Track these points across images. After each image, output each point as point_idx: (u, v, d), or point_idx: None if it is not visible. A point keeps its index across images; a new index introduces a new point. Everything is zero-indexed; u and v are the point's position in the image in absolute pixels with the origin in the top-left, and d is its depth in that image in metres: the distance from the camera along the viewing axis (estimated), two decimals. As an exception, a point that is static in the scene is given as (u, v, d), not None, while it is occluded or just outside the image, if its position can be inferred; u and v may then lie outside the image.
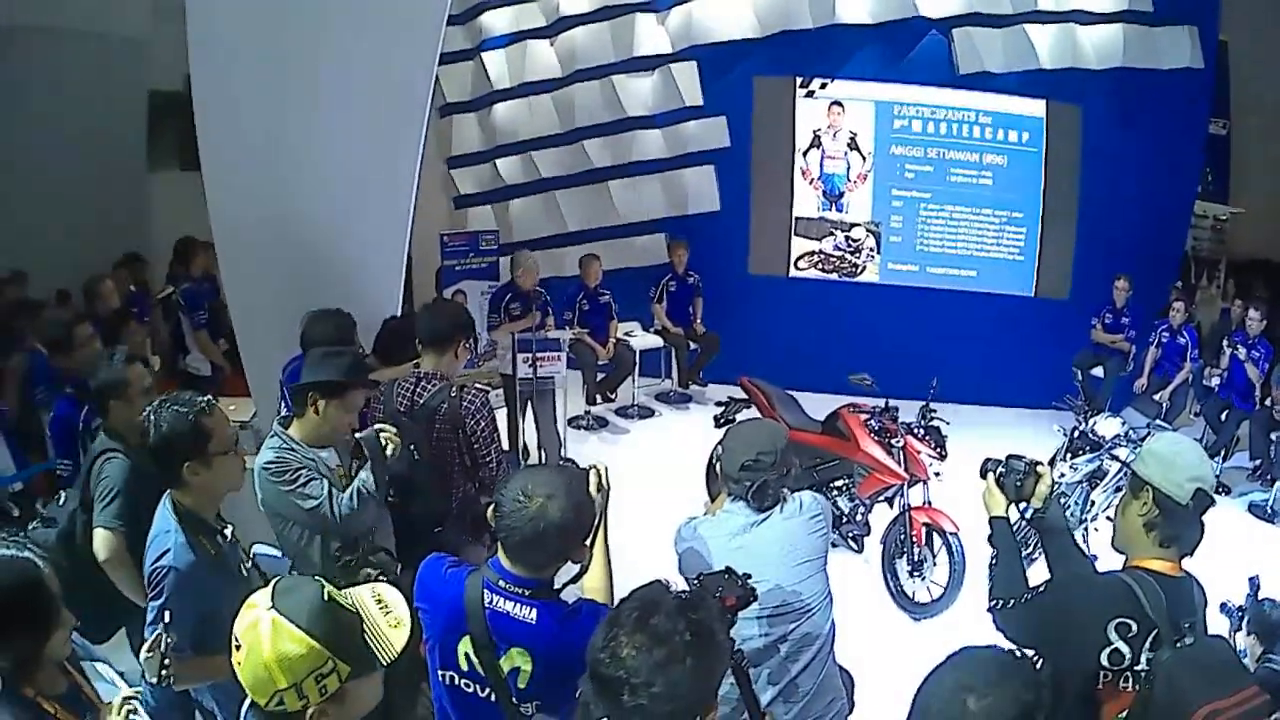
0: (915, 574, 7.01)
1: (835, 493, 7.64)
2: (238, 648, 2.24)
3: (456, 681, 3.08)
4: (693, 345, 11.94)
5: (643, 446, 10.76)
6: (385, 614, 2.43)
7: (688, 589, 2.92)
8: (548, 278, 11.52)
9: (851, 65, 11.54)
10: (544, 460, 9.32)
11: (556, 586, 3.07)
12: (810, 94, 11.80)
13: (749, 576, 3.24)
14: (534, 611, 2.93)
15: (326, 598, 2.31)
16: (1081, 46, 10.79)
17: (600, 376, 11.48)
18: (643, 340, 11.76)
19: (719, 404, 8.71)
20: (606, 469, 3.43)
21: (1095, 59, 10.80)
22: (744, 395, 8.51)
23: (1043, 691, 2.28)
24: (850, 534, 7.63)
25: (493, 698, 3.02)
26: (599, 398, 11.60)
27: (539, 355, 9.14)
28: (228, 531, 3.75)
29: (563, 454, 9.60)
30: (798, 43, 11.49)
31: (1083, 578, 3.35)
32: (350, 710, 2.34)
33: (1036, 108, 11.16)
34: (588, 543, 3.15)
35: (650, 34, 12.08)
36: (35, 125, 10.66)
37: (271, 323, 5.68)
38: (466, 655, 3.02)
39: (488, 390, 5.33)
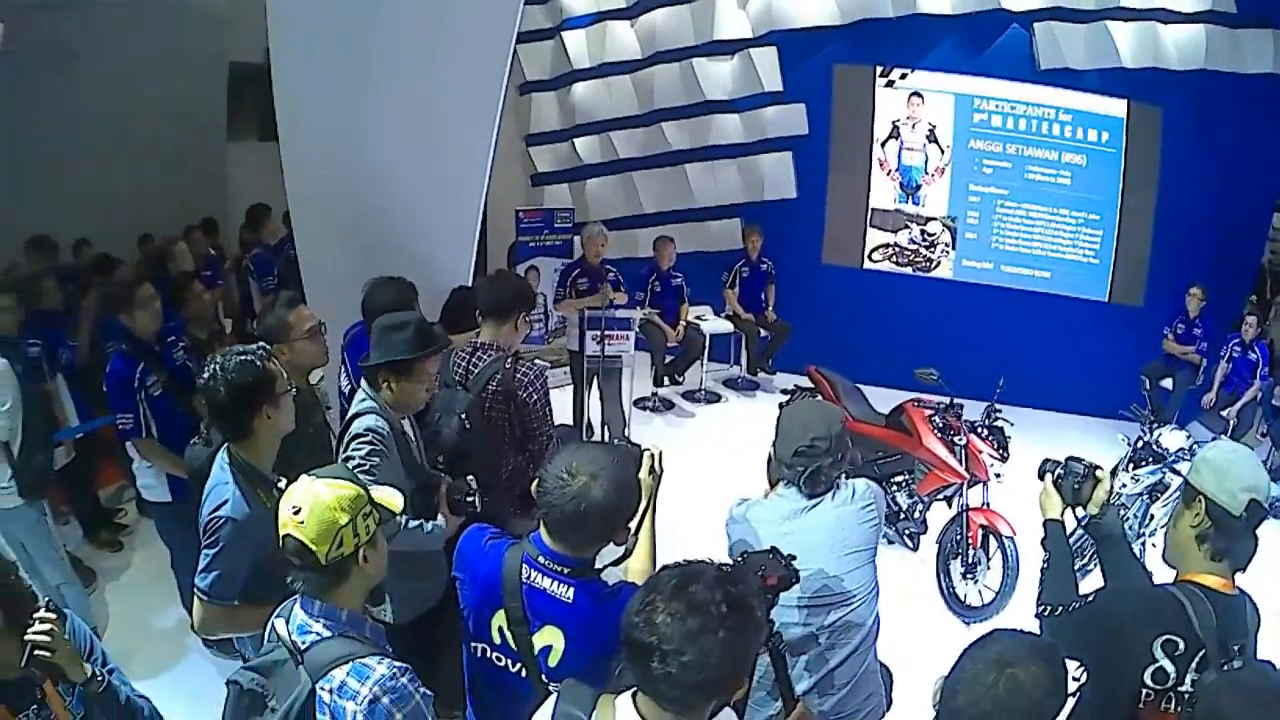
0: (968, 576, 6.95)
1: (895, 488, 7.64)
2: (297, 512, 2.69)
3: (488, 654, 3.10)
4: (763, 332, 11.94)
5: (708, 431, 10.79)
6: (380, 491, 2.98)
7: (730, 564, 2.94)
8: (622, 258, 11.55)
9: (932, 56, 11.44)
10: (607, 439, 9.36)
11: (599, 566, 3.06)
12: (890, 84, 11.71)
13: (794, 558, 3.23)
14: (572, 590, 2.93)
15: (350, 467, 3.04)
16: (1164, 46, 10.55)
17: (669, 359, 11.52)
18: (713, 325, 11.76)
19: (785, 392, 8.70)
20: (661, 453, 3.44)
21: (1177, 59, 10.55)
22: (811, 384, 8.50)
23: (1065, 676, 2.33)
24: (906, 531, 7.64)
25: (522, 673, 3.04)
26: (667, 380, 11.66)
27: (607, 333, 9.18)
28: (282, 484, 3.77)
29: (626, 433, 9.66)
30: (878, 31, 11.41)
31: (1131, 590, 3.29)
32: (378, 558, 2.87)
33: (1117, 107, 10.94)
34: (631, 525, 3.15)
35: (731, 18, 12.05)
36: (121, 96, 11.00)
37: (342, 289, 5.72)
38: (500, 629, 3.04)
39: (547, 366, 5.31)
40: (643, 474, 3.33)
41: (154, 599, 6.78)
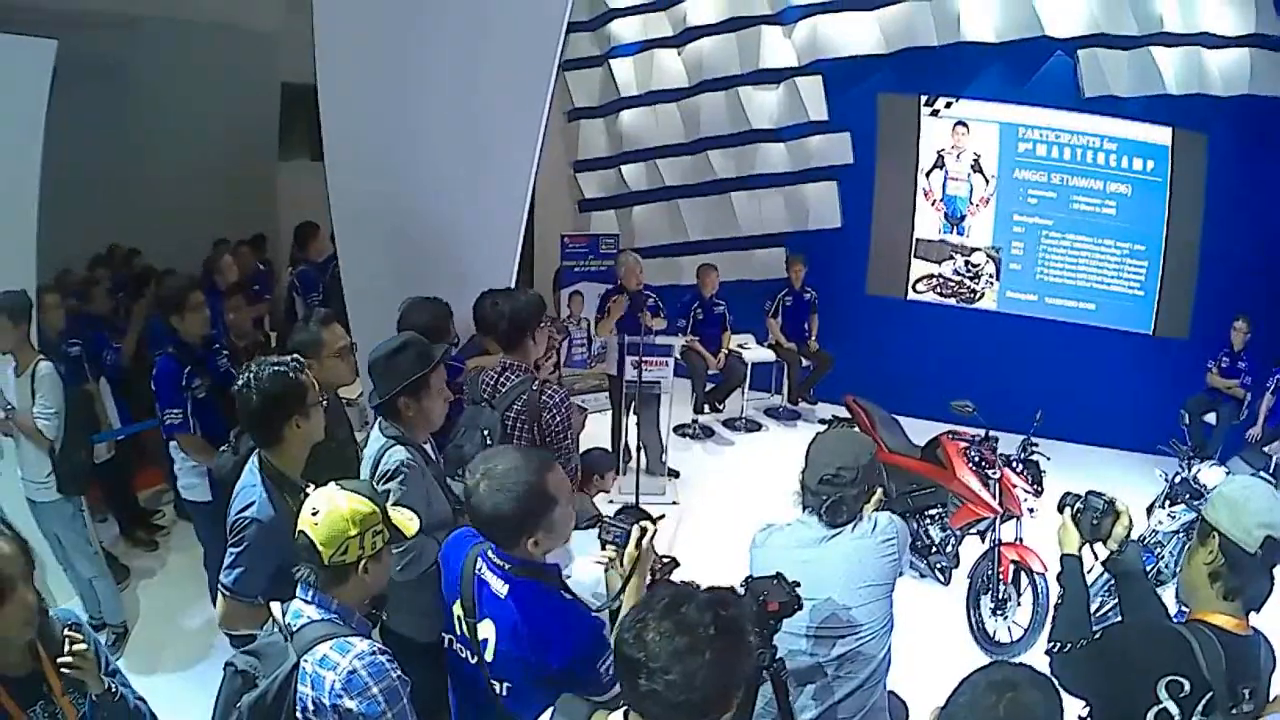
0: (998, 612, 6.84)
1: (928, 521, 7.58)
2: (314, 514, 2.96)
3: (453, 644, 3.31)
4: (805, 362, 11.89)
5: (747, 459, 10.74)
6: (399, 513, 3.22)
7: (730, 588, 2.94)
8: (666, 285, 11.68)
9: (976, 85, 11.37)
10: (645, 464, 9.36)
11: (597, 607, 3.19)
12: (935, 113, 11.65)
13: (798, 584, 3.23)
14: (507, 587, 3.12)
15: (372, 485, 3.32)
16: (1208, 71, 10.37)
17: (710, 386, 11.50)
18: (755, 353, 11.74)
19: (823, 422, 8.66)
20: (655, 532, 3.42)
21: (1222, 85, 10.35)
22: (849, 414, 8.46)
23: (1061, 707, 2.30)
24: (938, 565, 7.54)
25: (475, 662, 3.21)
26: (707, 407, 11.62)
27: (645, 358, 9.16)
28: (309, 490, 3.87)
29: (664, 460, 9.65)
30: (923, 60, 11.37)
31: (1139, 628, 3.23)
32: (380, 572, 3.10)
33: (1162, 135, 10.76)
34: (548, 528, 3.13)
35: (776, 46, 12.07)
36: (176, 114, 11.21)
37: (384, 307, 5.88)
38: (459, 619, 3.23)
39: (564, 390, 5.40)
40: (630, 548, 3.34)
41: (185, 597, 7.01)
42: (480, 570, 3.20)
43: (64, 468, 6.19)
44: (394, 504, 3.94)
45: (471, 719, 3.38)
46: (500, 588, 3.12)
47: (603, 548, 3.41)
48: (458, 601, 3.25)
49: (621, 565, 3.31)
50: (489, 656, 3.15)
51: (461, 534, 3.38)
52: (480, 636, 3.17)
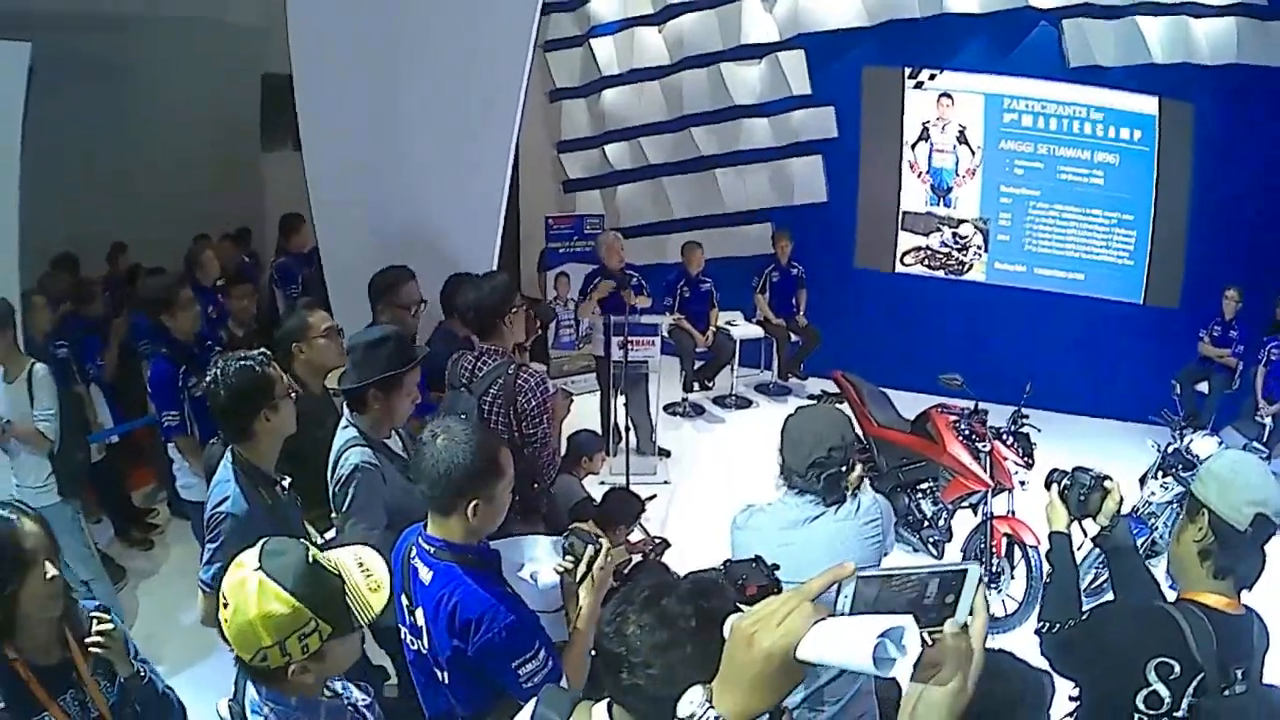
0: (992, 586, 6.79)
1: (920, 495, 7.53)
2: (225, 605, 2.40)
3: (406, 635, 3.31)
4: (794, 337, 11.91)
5: (738, 436, 10.72)
6: (366, 576, 2.57)
7: (710, 575, 2.90)
8: (653, 264, 11.65)
9: (961, 56, 11.29)
10: (635, 444, 9.31)
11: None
12: (919, 85, 11.59)
13: (777, 567, 3.18)
14: (431, 573, 3.12)
15: (311, 560, 2.49)
16: (1195, 40, 10.28)
17: (699, 364, 11.49)
18: (744, 330, 11.73)
19: (811, 398, 8.62)
20: (609, 551, 3.43)
21: (1208, 54, 10.26)
22: (837, 390, 8.43)
23: (1043, 691, 2.26)
24: (931, 539, 7.50)
25: (416, 648, 3.26)
26: (696, 385, 11.61)
27: (631, 339, 9.06)
28: (285, 483, 3.96)
29: (654, 439, 9.65)
30: (906, 32, 11.30)
31: (1127, 609, 3.18)
32: (329, 667, 2.53)
33: (1149, 104, 10.69)
34: (489, 498, 3.15)
35: (758, 22, 11.99)
36: (160, 107, 11.17)
37: (364, 296, 5.99)
38: (405, 609, 3.24)
39: (544, 370, 5.38)
40: (580, 567, 3.34)
41: (182, 596, 6.88)
42: (413, 558, 3.19)
43: (62, 471, 6.19)
44: (345, 512, 4.03)
45: (430, 706, 3.39)
46: (425, 574, 3.12)
47: (563, 556, 3.40)
48: (403, 594, 3.25)
49: (575, 580, 3.33)
50: (427, 644, 3.17)
51: (412, 528, 3.33)
52: (419, 624, 3.19)
